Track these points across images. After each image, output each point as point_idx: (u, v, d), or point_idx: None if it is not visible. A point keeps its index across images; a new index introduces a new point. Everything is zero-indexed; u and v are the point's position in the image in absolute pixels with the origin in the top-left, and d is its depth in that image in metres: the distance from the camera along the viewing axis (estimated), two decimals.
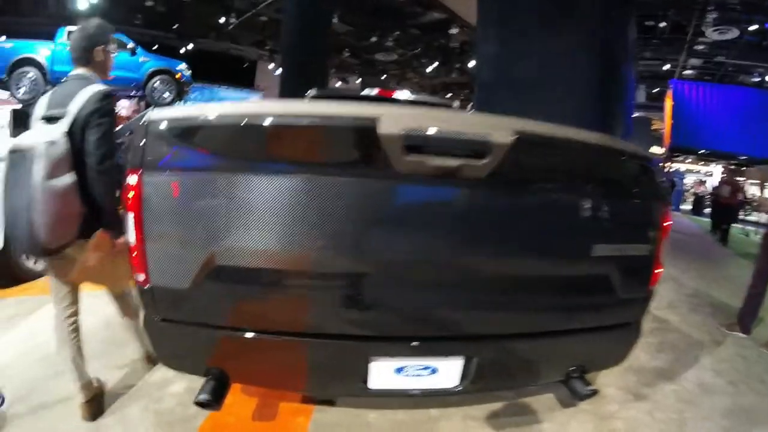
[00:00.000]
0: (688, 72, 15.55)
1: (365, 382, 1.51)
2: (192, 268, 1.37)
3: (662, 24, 11.82)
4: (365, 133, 1.30)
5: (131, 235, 1.41)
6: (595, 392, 1.66)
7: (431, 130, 1.30)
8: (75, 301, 2.03)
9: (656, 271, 1.70)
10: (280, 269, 1.40)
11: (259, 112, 1.37)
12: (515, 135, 1.33)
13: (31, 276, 3.80)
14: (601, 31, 5.28)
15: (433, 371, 1.52)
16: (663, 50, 13.50)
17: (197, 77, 11.16)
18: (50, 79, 8.00)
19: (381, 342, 1.48)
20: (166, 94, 9.28)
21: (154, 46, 13.53)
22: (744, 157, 14.35)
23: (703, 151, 14.82)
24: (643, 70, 15.42)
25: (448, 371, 1.53)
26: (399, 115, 1.35)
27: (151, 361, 2.48)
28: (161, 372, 2.46)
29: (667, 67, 14.87)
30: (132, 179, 1.37)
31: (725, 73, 14.63)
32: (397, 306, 1.47)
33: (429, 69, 18.38)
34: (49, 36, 8.16)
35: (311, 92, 3.89)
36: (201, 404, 1.44)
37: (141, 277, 1.44)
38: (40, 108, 1.86)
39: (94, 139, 1.75)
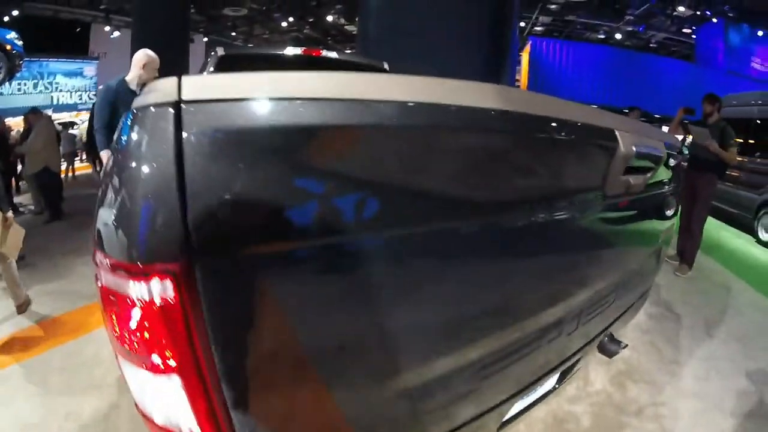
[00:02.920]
0: (538, 29, 17.06)
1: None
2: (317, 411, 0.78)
3: None
4: (603, 148, 1.08)
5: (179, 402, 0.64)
6: (626, 345, 1.72)
7: (648, 146, 1.19)
8: None
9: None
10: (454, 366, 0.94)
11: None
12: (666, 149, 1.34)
13: None
14: None
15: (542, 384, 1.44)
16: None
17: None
18: None
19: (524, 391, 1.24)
20: None
21: None
22: (594, 106, 16.55)
23: None
24: None
25: (552, 380, 1.46)
26: (627, 128, 1.15)
27: (23, 310, 3.07)
28: None
29: (522, 24, 16.18)
30: (147, 290, 0.58)
31: (573, 30, 16.38)
32: (554, 349, 1.26)
33: (285, 23, 17.34)
34: None
35: (219, 51, 3.22)
36: None
37: None
38: None
39: None
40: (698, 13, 12.99)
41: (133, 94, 3.08)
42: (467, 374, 0.96)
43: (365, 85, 0.73)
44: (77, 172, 10.29)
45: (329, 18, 15.98)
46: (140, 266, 0.57)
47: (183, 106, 0.58)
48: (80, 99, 17.72)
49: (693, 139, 3.96)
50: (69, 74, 17.68)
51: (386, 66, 3.75)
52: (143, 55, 3.14)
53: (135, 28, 11.27)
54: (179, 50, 10.85)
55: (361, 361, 0.78)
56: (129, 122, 0.62)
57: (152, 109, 0.59)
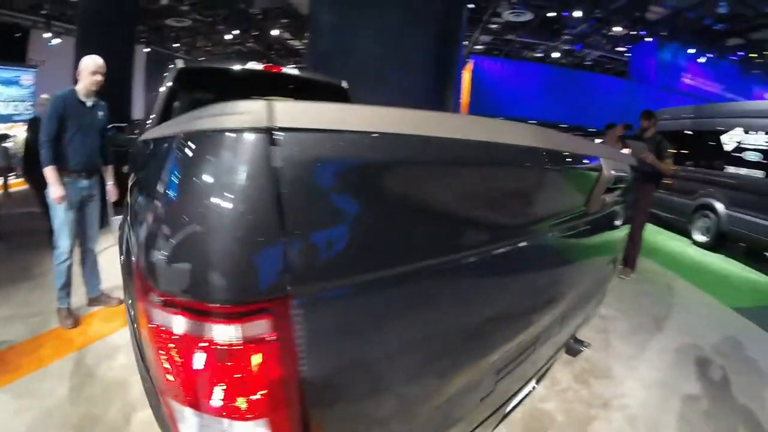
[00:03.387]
0: (478, 47, 17.70)
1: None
2: None
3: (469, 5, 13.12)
4: (592, 174, 1.23)
5: None
6: (589, 345, 1.89)
7: (621, 170, 1.36)
8: None
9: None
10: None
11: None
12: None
13: None
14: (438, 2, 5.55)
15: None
16: None
17: None
18: None
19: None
20: None
21: None
22: (534, 122, 17.32)
23: (498, 117, 17.42)
24: None
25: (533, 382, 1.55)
26: (606, 153, 1.30)
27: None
28: None
29: (465, 43, 16.75)
30: (239, 331, 0.54)
31: (512, 49, 17.11)
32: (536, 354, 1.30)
33: (228, 36, 16.96)
34: None
35: (178, 64, 3.09)
36: None
37: None
38: None
39: None
40: (633, 32, 13.98)
41: (83, 105, 2.88)
42: (489, 377, 1.05)
43: (467, 125, 0.77)
44: (11, 189, 9.57)
45: (274, 32, 15.86)
46: (233, 307, 0.52)
47: (277, 133, 0.52)
48: (16, 110, 16.36)
49: (631, 152, 4.29)
50: (5, 83, 16.26)
51: (345, 85, 3.79)
52: (91, 62, 2.90)
53: (79, 35, 10.69)
54: (123, 60, 10.35)
55: (459, 392, 0.84)
56: (200, 146, 0.56)
57: (238, 134, 0.52)
